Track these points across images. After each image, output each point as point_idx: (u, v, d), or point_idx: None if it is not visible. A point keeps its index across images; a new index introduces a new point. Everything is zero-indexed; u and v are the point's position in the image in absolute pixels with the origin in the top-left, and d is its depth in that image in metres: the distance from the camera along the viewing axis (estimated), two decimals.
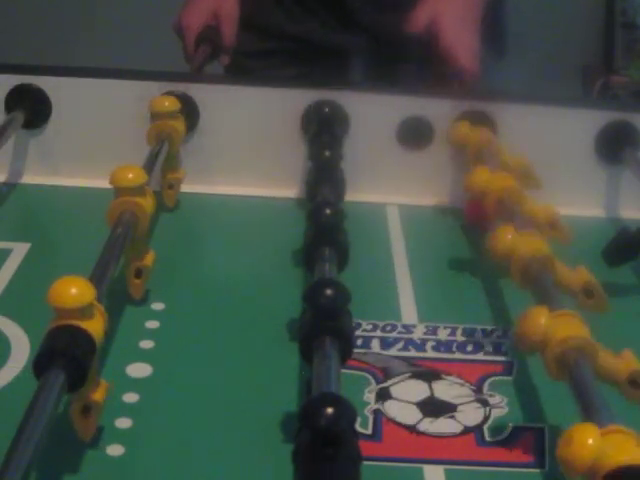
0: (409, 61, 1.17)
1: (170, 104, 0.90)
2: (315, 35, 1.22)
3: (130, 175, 0.73)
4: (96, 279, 0.62)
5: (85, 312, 0.56)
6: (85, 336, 0.55)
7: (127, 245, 0.71)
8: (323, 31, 1.21)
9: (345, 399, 0.49)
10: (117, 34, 2.32)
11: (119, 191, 0.72)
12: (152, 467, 0.59)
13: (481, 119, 0.95)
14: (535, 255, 0.70)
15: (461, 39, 1.04)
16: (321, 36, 1.21)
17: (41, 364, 0.53)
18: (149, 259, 0.75)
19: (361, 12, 1.18)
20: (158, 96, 0.93)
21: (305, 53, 1.23)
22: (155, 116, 0.90)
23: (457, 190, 0.97)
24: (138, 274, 0.75)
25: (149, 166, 0.82)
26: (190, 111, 0.96)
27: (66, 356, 0.53)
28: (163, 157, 0.88)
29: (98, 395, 0.58)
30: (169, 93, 0.95)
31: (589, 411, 0.54)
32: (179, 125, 0.91)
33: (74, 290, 0.56)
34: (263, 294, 0.80)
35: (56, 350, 0.53)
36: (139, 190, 0.73)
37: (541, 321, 0.60)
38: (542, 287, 0.68)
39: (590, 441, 0.49)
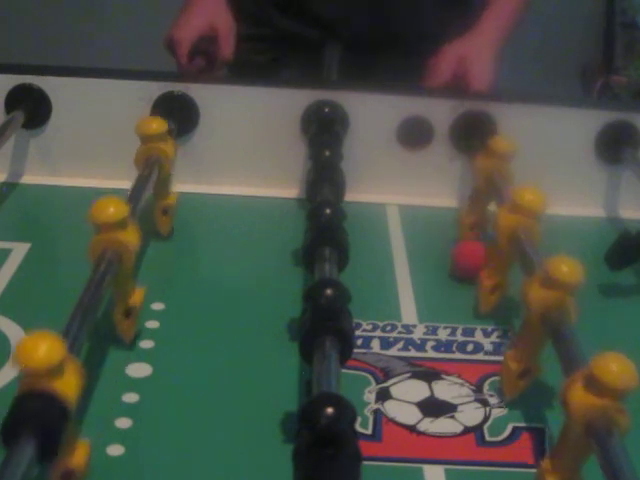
0: (382, 69, 1.19)
1: (158, 126, 0.84)
2: (290, 29, 1.22)
3: (111, 209, 0.66)
4: (75, 327, 0.57)
5: (55, 371, 0.50)
6: (56, 401, 0.49)
7: (112, 285, 0.66)
8: (297, 27, 1.22)
9: (345, 399, 0.49)
10: (117, 34, 2.32)
11: (99, 227, 0.66)
12: (152, 467, 0.59)
13: (481, 119, 0.95)
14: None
15: (484, 82, 1.08)
16: (295, 30, 1.22)
17: (8, 433, 0.48)
18: (137, 297, 0.70)
19: (340, 21, 1.20)
20: (144, 117, 0.88)
21: (279, 42, 1.23)
22: (142, 139, 0.83)
23: (457, 190, 0.97)
24: (127, 314, 0.69)
25: (137, 193, 0.77)
26: (190, 111, 0.96)
27: (35, 425, 0.48)
28: (153, 182, 0.82)
29: (78, 459, 0.54)
30: (169, 93, 0.95)
31: None
32: (168, 148, 0.84)
33: (43, 348, 0.50)
34: (263, 294, 0.80)
35: (24, 419, 0.48)
36: (121, 224, 0.66)
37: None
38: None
39: None
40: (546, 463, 0.57)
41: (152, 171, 0.82)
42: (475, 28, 1.11)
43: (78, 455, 0.54)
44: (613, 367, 0.53)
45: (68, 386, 0.51)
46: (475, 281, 0.78)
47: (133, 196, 0.75)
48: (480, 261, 0.79)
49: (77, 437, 0.54)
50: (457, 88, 1.06)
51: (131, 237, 0.67)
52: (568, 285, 0.63)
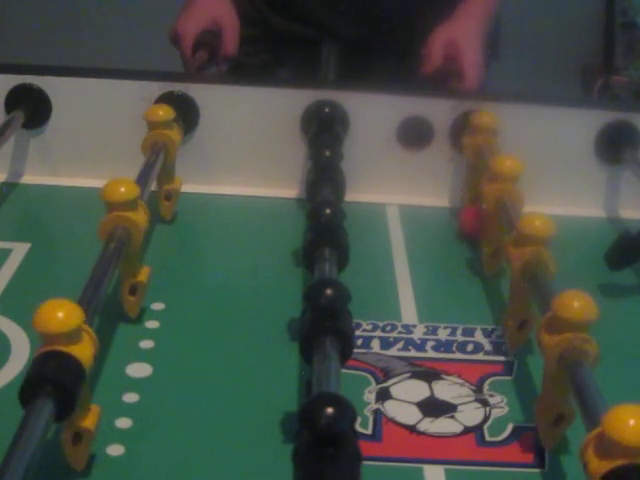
0: (377, 70, 1.20)
1: (164, 113, 0.88)
2: (285, 28, 1.23)
3: (122, 189, 0.70)
4: (86, 300, 0.59)
5: (73, 337, 0.53)
6: (74, 362, 0.52)
7: (120, 262, 0.68)
8: (292, 26, 1.22)
9: (345, 399, 0.49)
10: (117, 34, 2.32)
11: (111, 206, 0.69)
12: (152, 467, 0.59)
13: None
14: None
15: (475, 60, 1.10)
16: (290, 29, 1.22)
17: (27, 392, 0.50)
18: (143, 275, 0.72)
19: (336, 22, 1.20)
20: (152, 105, 0.92)
21: (275, 42, 1.24)
22: (150, 125, 0.88)
23: (457, 190, 0.97)
24: (132, 291, 0.72)
25: (144, 177, 0.80)
26: (190, 111, 0.96)
27: (54, 383, 0.50)
28: (159, 167, 0.85)
29: (89, 422, 0.56)
30: (169, 93, 0.95)
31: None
32: (174, 134, 0.88)
33: (60, 314, 0.53)
34: (263, 294, 0.80)
35: (43, 377, 0.51)
36: (132, 204, 0.70)
37: None
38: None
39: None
40: (538, 402, 0.61)
41: (158, 157, 0.85)
42: (460, 12, 1.13)
43: (90, 418, 0.56)
44: (574, 304, 0.58)
45: (84, 351, 0.53)
46: (477, 241, 0.86)
47: (141, 180, 0.78)
48: (476, 217, 0.87)
49: (89, 401, 0.57)
50: (450, 72, 1.06)
51: (141, 217, 0.71)
52: (541, 238, 0.69)
